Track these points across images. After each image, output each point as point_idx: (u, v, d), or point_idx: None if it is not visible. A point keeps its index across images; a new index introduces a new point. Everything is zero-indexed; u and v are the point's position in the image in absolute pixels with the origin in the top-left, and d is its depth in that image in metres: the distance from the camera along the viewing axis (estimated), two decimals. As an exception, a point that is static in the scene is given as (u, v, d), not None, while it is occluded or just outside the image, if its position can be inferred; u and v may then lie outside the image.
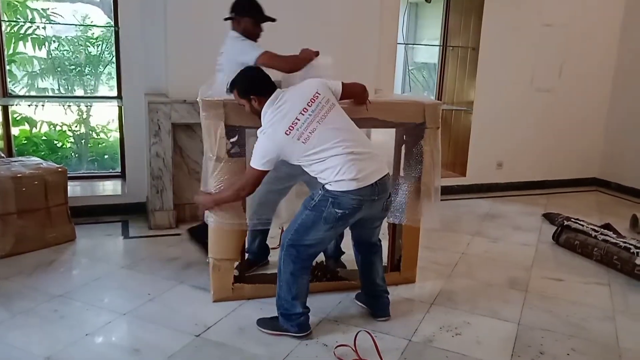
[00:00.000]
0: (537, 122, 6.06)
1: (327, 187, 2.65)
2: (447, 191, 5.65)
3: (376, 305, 3.05)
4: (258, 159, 2.65)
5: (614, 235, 4.11)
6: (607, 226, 4.44)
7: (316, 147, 2.60)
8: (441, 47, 6.01)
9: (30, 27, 5.11)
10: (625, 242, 3.92)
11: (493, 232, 4.65)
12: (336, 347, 2.68)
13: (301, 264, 2.77)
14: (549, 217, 5.02)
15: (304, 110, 2.63)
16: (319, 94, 2.69)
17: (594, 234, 4.13)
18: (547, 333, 2.97)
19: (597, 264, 3.99)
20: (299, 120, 2.61)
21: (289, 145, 2.61)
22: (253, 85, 2.74)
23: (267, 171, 2.69)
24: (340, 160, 2.60)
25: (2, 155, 4.24)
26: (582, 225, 4.29)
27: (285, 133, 2.60)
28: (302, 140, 2.60)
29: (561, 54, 5.96)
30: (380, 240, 3.06)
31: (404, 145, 3.29)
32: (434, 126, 3.22)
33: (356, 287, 3.31)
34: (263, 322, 2.87)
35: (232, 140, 2.92)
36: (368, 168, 2.65)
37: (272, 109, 2.67)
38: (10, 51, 5.09)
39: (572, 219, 4.46)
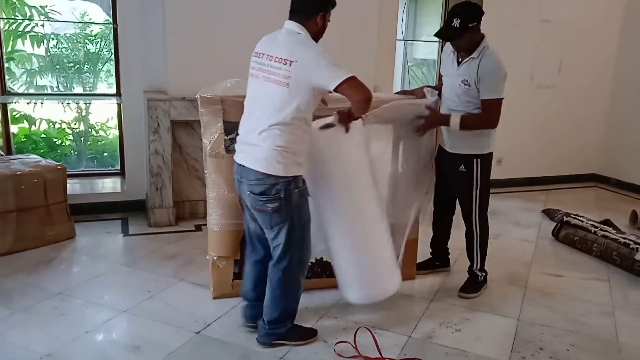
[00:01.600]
0: (536, 118, 6.06)
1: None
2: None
3: None
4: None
5: (614, 231, 4.12)
6: (607, 222, 4.45)
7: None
8: (440, 44, 5.99)
9: (28, 24, 5.10)
10: (624, 238, 3.92)
11: (492, 228, 4.58)
12: (336, 344, 2.69)
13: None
14: (548, 213, 5.02)
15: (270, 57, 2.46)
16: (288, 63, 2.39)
17: (593, 229, 4.14)
18: (546, 329, 2.98)
19: (597, 260, 3.99)
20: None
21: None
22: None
23: None
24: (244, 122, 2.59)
25: (2, 153, 4.24)
26: (582, 221, 4.29)
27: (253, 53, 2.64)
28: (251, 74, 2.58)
29: (561, 50, 5.95)
30: (283, 264, 2.57)
31: (401, 141, 3.28)
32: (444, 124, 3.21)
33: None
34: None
35: (230, 136, 2.91)
36: (243, 150, 2.52)
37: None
38: (9, 49, 5.08)
39: (572, 215, 4.47)
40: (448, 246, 3.67)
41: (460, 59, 3.09)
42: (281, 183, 2.43)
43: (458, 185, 3.29)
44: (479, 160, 3.18)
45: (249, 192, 2.50)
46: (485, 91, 2.98)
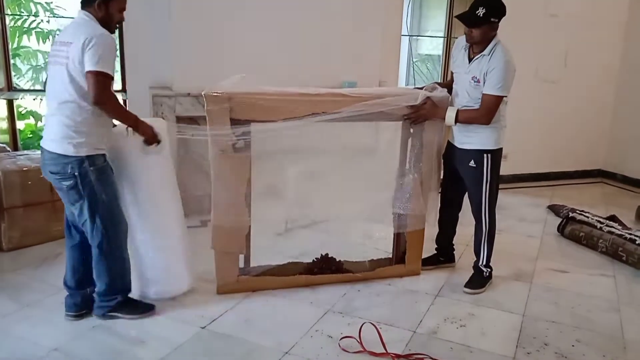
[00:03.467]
0: (542, 114, 6.03)
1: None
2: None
3: None
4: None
5: (620, 227, 4.10)
6: (613, 218, 4.43)
7: None
8: (445, 39, 5.98)
9: (34, 20, 5.12)
10: (630, 234, 3.91)
11: (498, 224, 4.60)
12: (341, 339, 2.69)
13: None
14: (554, 209, 5.01)
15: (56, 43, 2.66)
16: None
17: (599, 225, 4.13)
18: (551, 324, 2.98)
19: (603, 256, 3.98)
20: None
21: None
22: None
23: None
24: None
25: (8, 149, 4.26)
26: (588, 217, 4.28)
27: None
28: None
29: (567, 45, 5.92)
30: (96, 240, 2.71)
31: (410, 138, 3.28)
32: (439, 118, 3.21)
33: (360, 279, 3.33)
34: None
35: (237, 134, 2.91)
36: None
37: None
38: (15, 45, 5.10)
39: (577, 211, 4.45)
40: (453, 242, 3.66)
41: (471, 56, 3.10)
42: (73, 162, 2.56)
43: (468, 181, 3.28)
44: (489, 155, 3.18)
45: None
46: (487, 86, 2.99)
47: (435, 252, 3.65)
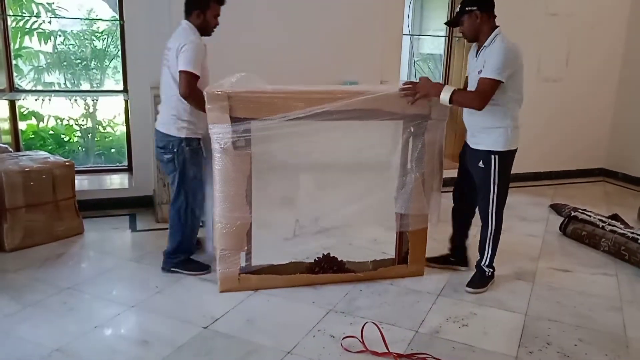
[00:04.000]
0: (543, 113, 6.02)
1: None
2: (453, 182, 5.64)
3: None
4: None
5: (622, 226, 4.10)
6: (615, 217, 4.42)
7: None
8: (447, 38, 5.97)
9: (35, 21, 5.12)
10: (633, 233, 3.90)
11: (500, 223, 4.63)
12: (343, 339, 2.69)
13: None
14: (556, 208, 5.00)
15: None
16: None
17: (601, 224, 4.12)
18: (554, 324, 2.97)
19: (605, 255, 3.97)
20: None
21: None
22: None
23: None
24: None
25: (10, 149, 4.26)
26: (590, 216, 4.28)
27: None
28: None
29: (568, 44, 5.91)
30: (176, 205, 3.35)
31: (411, 137, 3.27)
32: (440, 118, 3.21)
33: (362, 279, 3.32)
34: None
35: (237, 132, 2.92)
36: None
37: None
38: (17, 46, 5.11)
39: (580, 210, 4.45)
40: (466, 245, 3.62)
41: (477, 52, 3.17)
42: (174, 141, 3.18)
43: (477, 181, 3.27)
44: (496, 157, 3.14)
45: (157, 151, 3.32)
46: (484, 71, 2.99)
47: (448, 252, 3.63)
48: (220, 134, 2.90)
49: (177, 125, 3.16)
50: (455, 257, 3.63)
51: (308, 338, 2.73)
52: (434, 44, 6.51)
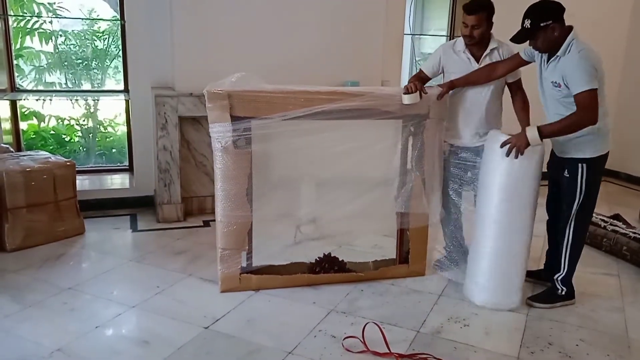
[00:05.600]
0: (544, 112, 6.00)
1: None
2: (587, 213, 5.59)
3: None
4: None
5: (624, 226, 4.09)
6: (617, 217, 4.41)
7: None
8: (448, 38, 5.96)
9: (37, 21, 5.12)
10: (634, 233, 3.90)
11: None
12: (344, 339, 2.69)
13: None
14: (557, 208, 4.98)
15: None
16: None
17: (603, 224, 4.11)
18: (555, 324, 2.96)
19: (607, 255, 3.97)
20: None
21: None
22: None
23: None
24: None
25: (11, 149, 4.26)
26: (591, 216, 4.26)
27: None
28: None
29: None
30: None
31: (410, 136, 3.27)
32: (439, 117, 3.20)
33: (364, 279, 3.32)
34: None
35: (237, 131, 2.92)
36: None
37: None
38: (18, 46, 5.11)
39: (581, 210, 4.43)
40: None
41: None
42: None
43: (562, 191, 3.10)
44: (584, 165, 2.95)
45: None
46: (574, 86, 2.79)
47: (543, 266, 3.45)
48: (220, 132, 2.90)
49: None
50: (546, 272, 3.38)
51: (309, 338, 2.72)
52: (435, 43, 6.50)
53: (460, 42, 3.25)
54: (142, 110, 4.57)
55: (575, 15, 5.66)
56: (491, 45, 3.18)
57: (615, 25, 6.11)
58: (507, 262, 3.06)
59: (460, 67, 3.21)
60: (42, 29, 5.18)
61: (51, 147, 5.42)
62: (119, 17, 4.72)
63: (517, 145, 2.87)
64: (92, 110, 5.69)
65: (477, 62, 3.18)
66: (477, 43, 3.16)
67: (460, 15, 5.98)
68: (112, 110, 5.74)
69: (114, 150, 5.78)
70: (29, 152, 4.24)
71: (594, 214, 4.27)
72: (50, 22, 5.22)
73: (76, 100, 5.50)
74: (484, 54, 3.18)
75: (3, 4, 4.35)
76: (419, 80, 3.22)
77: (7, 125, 4.58)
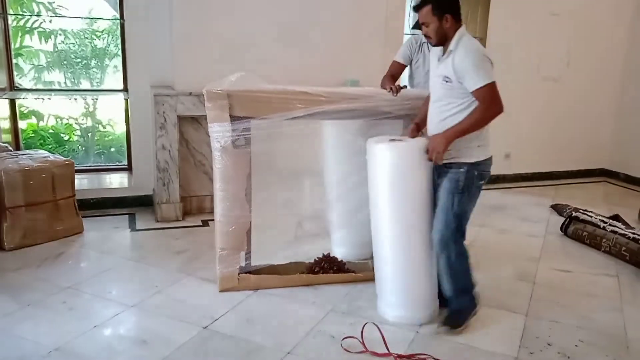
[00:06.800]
0: (545, 113, 6.02)
1: (470, 159, 2.69)
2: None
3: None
4: (489, 73, 2.60)
5: (623, 227, 4.09)
6: (616, 217, 4.41)
7: None
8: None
9: (36, 20, 5.12)
10: (634, 233, 3.89)
11: (500, 224, 4.63)
12: (343, 339, 2.68)
13: (465, 253, 2.86)
14: (557, 208, 4.99)
15: None
16: None
17: (602, 225, 4.11)
18: (554, 324, 2.96)
19: (606, 255, 3.97)
20: None
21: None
22: (453, 4, 2.71)
23: None
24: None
25: (10, 148, 4.26)
26: (591, 217, 4.27)
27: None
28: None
29: (569, 43, 5.91)
30: None
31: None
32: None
33: (363, 279, 3.31)
34: (455, 322, 2.83)
35: (237, 131, 2.91)
36: None
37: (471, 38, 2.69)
38: (17, 45, 5.11)
39: (581, 210, 4.44)
40: None
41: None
42: None
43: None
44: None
45: None
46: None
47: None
48: (219, 132, 2.90)
49: None
50: None
51: (308, 338, 2.72)
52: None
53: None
54: (141, 110, 4.57)
55: (559, 15, 5.73)
56: (451, 46, 2.69)
57: (615, 27, 6.11)
58: (410, 278, 2.85)
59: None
60: (42, 27, 5.18)
61: (50, 146, 5.42)
62: (118, 16, 4.72)
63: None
64: (91, 109, 5.69)
65: (438, 64, 2.79)
66: (438, 43, 2.76)
67: (461, 15, 5.98)
68: (111, 110, 5.74)
69: (112, 149, 5.78)
70: (27, 151, 4.24)
71: (593, 215, 4.30)
72: (50, 21, 5.21)
73: (75, 99, 5.50)
74: (443, 56, 2.76)
75: (2, 2, 4.34)
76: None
77: (6, 124, 4.57)
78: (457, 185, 2.71)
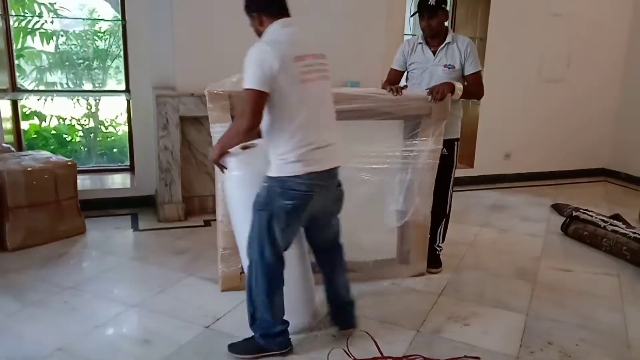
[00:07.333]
0: (545, 113, 6.02)
1: (271, 173, 2.35)
2: (454, 182, 5.64)
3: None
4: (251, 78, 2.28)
5: (623, 226, 4.09)
6: (617, 217, 4.42)
7: (304, 100, 2.31)
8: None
9: (38, 21, 5.13)
10: (634, 233, 3.90)
11: (501, 223, 4.64)
12: (330, 352, 2.69)
13: (272, 278, 2.46)
14: (557, 208, 5.00)
15: (314, 56, 2.40)
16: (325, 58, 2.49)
17: (603, 224, 4.12)
18: (555, 324, 2.97)
19: (606, 255, 3.97)
20: (309, 57, 2.34)
21: (288, 74, 2.25)
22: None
23: (267, 93, 2.26)
24: (302, 135, 2.30)
25: (12, 149, 4.27)
26: (591, 216, 4.27)
27: (296, 57, 2.29)
28: (301, 79, 2.29)
29: (570, 44, 5.91)
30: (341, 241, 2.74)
31: (412, 136, 3.27)
32: (440, 117, 3.21)
33: (362, 278, 3.32)
34: (239, 348, 2.56)
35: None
36: (325, 156, 2.37)
37: (280, 27, 2.41)
38: (19, 46, 5.12)
39: (581, 210, 4.44)
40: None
41: (433, 49, 3.33)
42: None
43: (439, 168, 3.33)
44: (458, 143, 3.46)
45: (335, 189, 2.53)
46: (471, 66, 3.29)
47: None
48: (221, 133, 2.89)
49: None
50: None
51: (309, 338, 2.73)
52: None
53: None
54: (143, 110, 4.58)
55: (561, 15, 5.74)
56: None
57: (616, 28, 6.12)
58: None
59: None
60: (43, 29, 5.18)
61: (52, 147, 5.43)
62: (120, 17, 4.73)
63: (441, 89, 3.09)
64: (93, 110, 5.70)
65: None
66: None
67: (461, 15, 6.00)
68: (113, 110, 5.75)
69: (115, 150, 5.79)
70: (30, 152, 4.25)
71: (593, 214, 4.30)
72: (52, 22, 5.22)
73: (77, 100, 5.52)
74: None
75: (4, 3, 4.36)
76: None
77: (8, 125, 4.58)
78: (257, 199, 2.42)
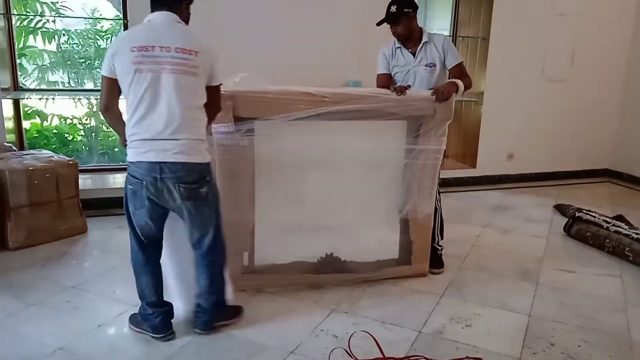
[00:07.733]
0: (548, 113, 6.01)
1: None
2: (457, 183, 5.64)
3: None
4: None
5: (626, 227, 4.08)
6: (619, 217, 4.40)
7: (135, 89, 2.36)
8: (451, 38, 5.96)
9: (40, 20, 5.14)
10: (637, 234, 3.88)
11: (504, 224, 4.63)
12: (332, 350, 2.68)
13: (135, 261, 2.60)
14: (560, 209, 4.99)
15: (168, 49, 2.41)
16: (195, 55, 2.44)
17: (605, 225, 4.10)
18: (558, 325, 2.96)
19: (609, 256, 3.96)
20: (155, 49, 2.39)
21: (124, 60, 2.37)
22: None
23: (112, 78, 2.41)
24: (134, 123, 2.39)
25: (14, 148, 4.27)
26: (594, 217, 4.26)
27: (132, 48, 2.38)
28: (138, 70, 2.36)
29: (574, 44, 5.90)
30: (213, 249, 2.64)
31: (415, 137, 3.26)
32: (444, 118, 3.20)
33: (365, 279, 3.31)
34: (132, 316, 2.75)
35: (240, 132, 2.92)
36: (151, 148, 2.38)
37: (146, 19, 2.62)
38: (21, 45, 5.12)
39: (584, 211, 4.43)
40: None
41: (411, 50, 3.38)
42: (207, 168, 2.52)
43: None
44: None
45: (178, 188, 2.42)
46: (453, 59, 3.34)
47: None
48: (223, 133, 2.90)
49: (204, 148, 2.52)
50: None
51: (311, 338, 2.72)
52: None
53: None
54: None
55: (565, 15, 5.73)
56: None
57: (620, 28, 6.10)
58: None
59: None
60: (45, 28, 5.19)
61: (54, 146, 5.43)
62: (121, 16, 4.73)
63: (446, 90, 3.11)
64: (94, 109, 5.70)
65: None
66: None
67: (464, 15, 6.00)
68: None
69: (116, 149, 5.79)
70: (31, 151, 4.25)
71: (596, 215, 4.29)
72: (53, 22, 5.23)
73: (79, 99, 5.52)
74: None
75: (6, 3, 4.36)
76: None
77: (10, 124, 4.58)
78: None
